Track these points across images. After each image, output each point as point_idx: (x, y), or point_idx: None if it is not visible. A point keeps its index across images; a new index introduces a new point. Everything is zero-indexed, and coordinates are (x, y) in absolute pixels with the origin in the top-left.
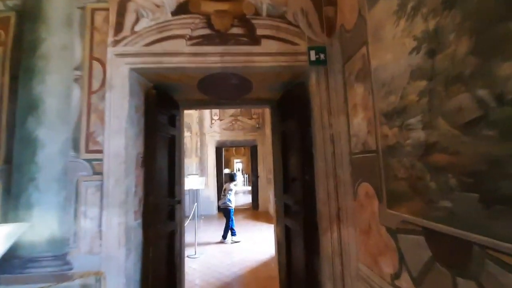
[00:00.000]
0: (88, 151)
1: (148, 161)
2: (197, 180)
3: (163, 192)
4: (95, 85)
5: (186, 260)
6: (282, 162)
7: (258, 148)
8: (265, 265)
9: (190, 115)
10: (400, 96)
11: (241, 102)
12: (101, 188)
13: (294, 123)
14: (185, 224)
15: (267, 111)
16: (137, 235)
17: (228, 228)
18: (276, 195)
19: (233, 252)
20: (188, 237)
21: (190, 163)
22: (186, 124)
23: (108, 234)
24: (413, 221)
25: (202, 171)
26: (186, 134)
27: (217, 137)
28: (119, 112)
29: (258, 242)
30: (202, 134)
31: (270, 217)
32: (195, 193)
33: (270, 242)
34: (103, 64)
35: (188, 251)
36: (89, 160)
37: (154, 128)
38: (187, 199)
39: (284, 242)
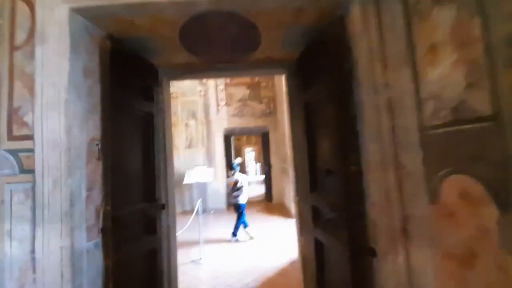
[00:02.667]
0: (11, 137)
1: (108, 150)
2: (205, 172)
3: (135, 194)
4: (20, 37)
5: (190, 266)
6: (307, 147)
7: (270, 135)
8: (283, 274)
9: (195, 102)
10: None
11: (245, 66)
12: (33, 193)
13: (326, 86)
14: (189, 221)
15: (280, 90)
16: (94, 262)
17: (239, 226)
18: (298, 193)
19: (245, 256)
20: (193, 236)
21: (196, 154)
22: (190, 111)
23: (46, 263)
24: None
25: (210, 162)
26: (191, 122)
27: (225, 125)
28: (56, 77)
29: (273, 242)
30: (208, 121)
31: (285, 210)
32: (202, 186)
33: (287, 241)
34: (30, 5)
35: (192, 255)
36: (13, 152)
37: (116, 102)
38: (194, 193)
39: (314, 262)
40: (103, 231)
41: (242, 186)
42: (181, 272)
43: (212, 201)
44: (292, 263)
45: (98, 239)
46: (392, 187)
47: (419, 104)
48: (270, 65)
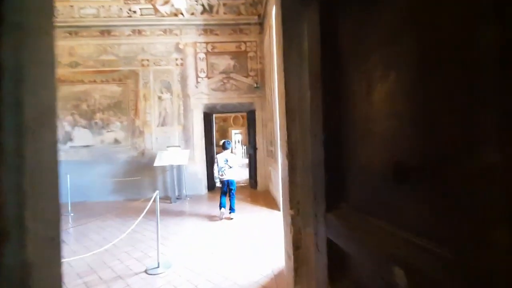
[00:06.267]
0: None
1: None
2: (179, 154)
3: None
4: None
5: (142, 279)
6: (322, 107)
7: (257, 113)
8: None
9: (170, 72)
10: None
11: None
12: None
13: None
14: (141, 216)
15: (269, 62)
16: None
17: (233, 201)
18: (293, 203)
19: (218, 263)
20: (151, 236)
21: (171, 133)
22: (164, 83)
23: None
24: None
25: (186, 143)
26: (166, 95)
27: (205, 100)
28: None
29: (254, 244)
30: (185, 96)
31: (271, 200)
32: (176, 169)
33: (272, 244)
34: None
35: (149, 260)
36: None
37: None
38: (168, 177)
39: None
40: None
41: (231, 167)
42: None
43: (190, 186)
44: (276, 277)
45: None
46: None
47: None
48: None
